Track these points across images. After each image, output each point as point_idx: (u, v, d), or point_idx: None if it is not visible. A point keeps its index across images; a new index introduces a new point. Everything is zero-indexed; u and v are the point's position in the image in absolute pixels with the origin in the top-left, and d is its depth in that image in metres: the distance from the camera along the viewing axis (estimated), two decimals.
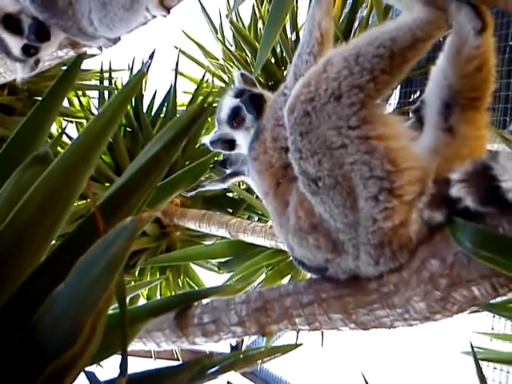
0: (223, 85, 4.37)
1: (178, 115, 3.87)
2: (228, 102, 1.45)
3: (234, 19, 4.12)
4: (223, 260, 3.32)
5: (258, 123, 1.35)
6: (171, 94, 3.75)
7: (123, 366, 0.92)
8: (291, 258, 1.32)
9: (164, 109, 3.90)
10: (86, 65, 3.85)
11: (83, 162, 1.11)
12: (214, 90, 4.38)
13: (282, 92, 1.30)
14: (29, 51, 1.58)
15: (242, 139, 1.41)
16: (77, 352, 0.79)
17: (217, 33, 4.23)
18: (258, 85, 1.52)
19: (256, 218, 3.92)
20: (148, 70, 1.11)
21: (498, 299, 2.38)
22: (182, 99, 4.19)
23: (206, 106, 1.25)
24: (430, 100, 1.19)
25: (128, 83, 1.23)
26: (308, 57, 1.23)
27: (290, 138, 1.10)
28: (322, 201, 1.09)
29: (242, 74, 1.55)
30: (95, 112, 3.80)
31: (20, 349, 0.88)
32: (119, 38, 1.62)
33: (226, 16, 4.04)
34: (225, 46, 4.05)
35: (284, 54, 3.90)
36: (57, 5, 1.45)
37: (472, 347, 1.72)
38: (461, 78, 1.10)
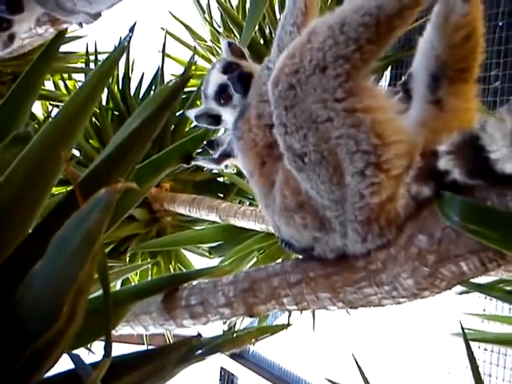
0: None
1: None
2: (215, 77, 1.40)
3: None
4: (214, 245, 3.30)
5: (244, 100, 1.31)
6: (158, 76, 3.69)
7: (107, 347, 0.90)
8: (279, 240, 1.29)
9: (151, 92, 3.84)
10: (71, 47, 3.78)
11: (63, 138, 1.09)
12: (201, 72, 4.34)
13: (265, 66, 1.26)
14: (1, 25, 1.53)
15: (229, 115, 1.38)
16: (58, 331, 0.77)
17: (204, 13, 4.16)
18: (246, 56, 1.46)
19: (247, 203, 3.89)
20: (129, 43, 1.07)
21: (488, 279, 2.38)
22: None
23: (187, 78, 1.21)
24: (417, 73, 1.16)
25: (109, 57, 1.19)
26: (292, 28, 1.19)
27: (275, 113, 1.07)
28: (308, 177, 1.06)
29: (229, 44, 1.47)
30: None
31: (0, 329, 0.85)
32: (100, 14, 1.57)
33: None
34: (212, 26, 3.98)
35: (273, 35, 3.84)
36: None
37: (462, 328, 1.71)
38: (448, 48, 1.06)
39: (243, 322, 3.49)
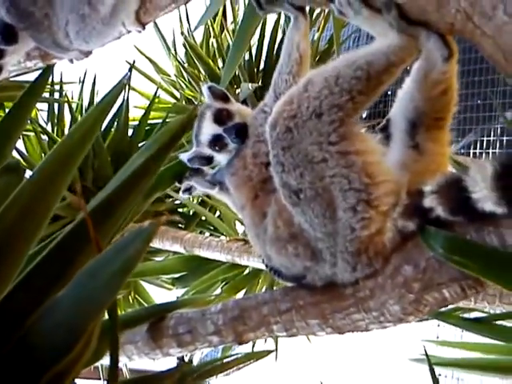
0: (174, 101, 4.40)
1: (130, 129, 3.86)
2: (208, 127, 1.41)
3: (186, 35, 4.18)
4: (177, 276, 3.31)
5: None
6: (123, 108, 3.72)
7: (112, 372, 0.93)
8: (266, 268, 1.36)
9: (115, 123, 3.85)
10: (34, 77, 3.75)
11: (62, 172, 1.12)
12: (164, 105, 4.41)
13: (261, 109, 1.36)
14: None
15: (222, 158, 1.42)
16: (74, 358, 0.79)
17: (169, 50, 4.26)
18: (229, 96, 1.49)
19: (207, 234, 3.94)
20: (128, 81, 1.11)
21: (445, 308, 2.52)
22: (133, 114, 4.16)
23: (193, 116, 1.28)
24: (396, 119, 1.29)
25: (108, 93, 1.25)
26: (287, 76, 1.30)
27: (273, 152, 1.17)
28: (302, 211, 1.16)
29: (210, 88, 1.49)
30: (43, 125, 3.70)
31: (13, 355, 0.86)
32: (91, 52, 1.63)
33: (181, 33, 4.08)
34: (178, 62, 4.09)
35: (237, 73, 3.98)
36: (34, 16, 1.44)
37: (426, 354, 1.83)
38: (427, 100, 1.20)
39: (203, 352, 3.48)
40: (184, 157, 1.47)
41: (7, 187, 1.11)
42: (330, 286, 1.22)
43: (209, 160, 1.45)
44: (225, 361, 1.35)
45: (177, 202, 3.95)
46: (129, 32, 1.55)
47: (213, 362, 1.36)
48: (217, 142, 1.40)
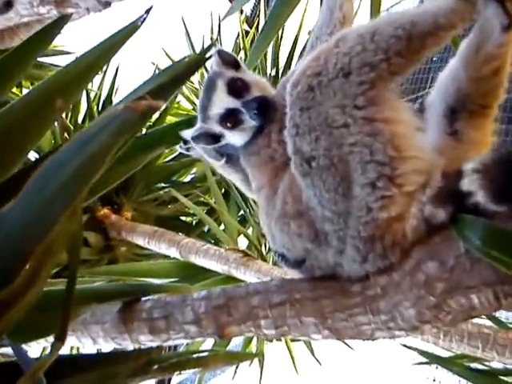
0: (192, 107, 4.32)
1: (143, 129, 3.75)
2: (222, 101, 1.22)
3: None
4: (166, 281, 3.11)
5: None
6: None
7: (62, 332, 0.76)
8: (274, 254, 1.18)
9: None
10: (55, 60, 3.70)
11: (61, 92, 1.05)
12: (183, 112, 4.32)
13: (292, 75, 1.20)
14: None
15: (234, 138, 1.23)
16: (13, 293, 0.63)
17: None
18: (242, 64, 1.28)
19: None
20: (142, 24, 1.00)
21: (448, 354, 2.29)
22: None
23: (205, 58, 1.14)
24: (433, 103, 1.13)
25: (119, 32, 1.12)
26: (328, 37, 1.15)
27: (289, 113, 1.01)
28: (312, 183, 0.99)
29: (219, 52, 1.27)
30: None
31: None
32: (109, 3, 1.51)
33: (211, 39, 4.02)
34: (206, 69, 4.00)
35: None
36: None
37: None
38: (474, 80, 1.04)
39: None
40: (187, 134, 1.28)
41: None
42: (335, 281, 1.03)
43: (217, 139, 1.25)
44: (200, 355, 1.14)
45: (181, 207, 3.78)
46: None
47: (186, 354, 1.16)
48: (230, 118, 1.21)
